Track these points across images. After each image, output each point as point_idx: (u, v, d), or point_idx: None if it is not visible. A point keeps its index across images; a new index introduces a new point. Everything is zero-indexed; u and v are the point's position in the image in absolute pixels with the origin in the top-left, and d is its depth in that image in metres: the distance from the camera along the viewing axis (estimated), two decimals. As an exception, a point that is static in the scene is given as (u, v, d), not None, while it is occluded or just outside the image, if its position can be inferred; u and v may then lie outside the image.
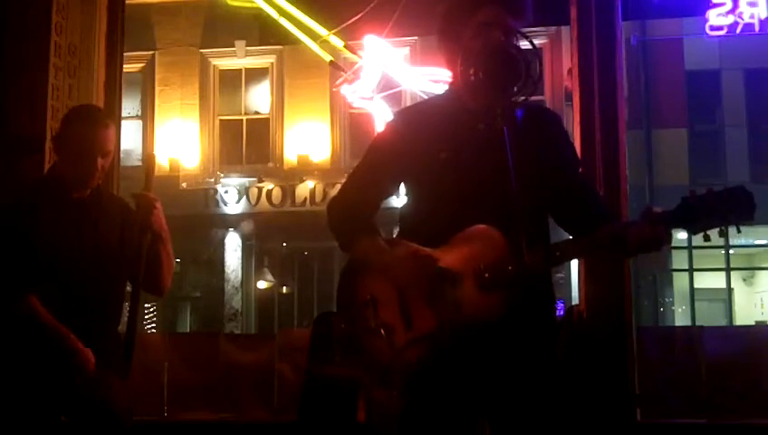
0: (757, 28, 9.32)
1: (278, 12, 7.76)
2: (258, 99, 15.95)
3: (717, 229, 2.15)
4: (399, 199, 2.55)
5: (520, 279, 2.13)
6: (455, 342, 2.17)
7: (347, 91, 9.58)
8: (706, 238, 2.16)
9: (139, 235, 2.93)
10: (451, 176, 2.26)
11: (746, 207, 2.11)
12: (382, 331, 2.19)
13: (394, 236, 2.44)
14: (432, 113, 2.39)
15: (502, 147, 2.14)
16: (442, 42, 2.36)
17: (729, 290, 16.92)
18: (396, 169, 2.36)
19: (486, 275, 2.14)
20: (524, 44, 2.31)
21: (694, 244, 15.90)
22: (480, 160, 2.25)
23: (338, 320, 2.34)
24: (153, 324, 15.11)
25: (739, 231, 2.15)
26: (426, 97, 5.53)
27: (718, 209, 2.11)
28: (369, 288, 2.25)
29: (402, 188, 2.43)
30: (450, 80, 2.43)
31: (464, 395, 2.24)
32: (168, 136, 15.22)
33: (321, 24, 7.59)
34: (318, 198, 14.66)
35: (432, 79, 9.24)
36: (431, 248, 2.22)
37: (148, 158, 4.24)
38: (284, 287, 15.89)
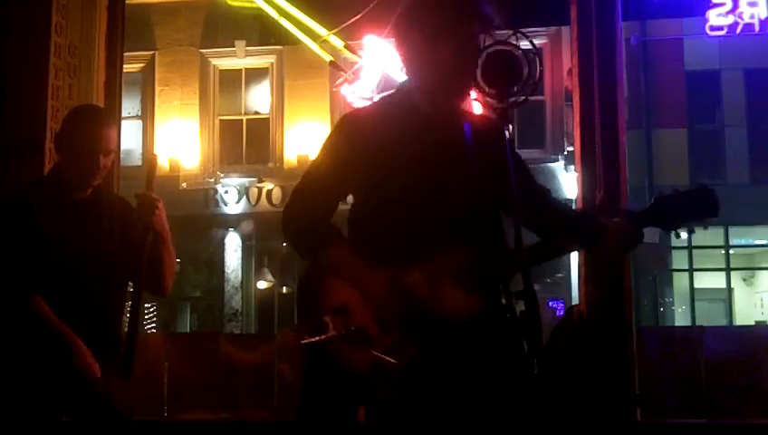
0: (757, 28, 9.35)
1: (278, 12, 7.78)
2: (258, 99, 15.95)
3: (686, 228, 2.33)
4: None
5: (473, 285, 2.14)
6: (425, 347, 2.14)
7: (347, 91, 9.60)
8: (677, 236, 2.34)
9: (141, 235, 2.93)
10: (401, 180, 2.21)
11: (712, 204, 2.28)
12: (353, 330, 2.15)
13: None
14: (383, 116, 2.31)
15: (454, 150, 2.18)
16: (415, 43, 2.25)
17: (729, 290, 16.95)
18: (350, 172, 2.27)
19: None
20: (525, 44, 2.30)
21: (694, 244, 15.90)
22: (431, 164, 2.22)
23: (300, 330, 2.27)
24: (153, 324, 15.12)
25: (705, 228, 2.34)
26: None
27: (688, 207, 2.28)
28: (339, 297, 2.19)
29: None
30: (404, 81, 2.37)
31: (450, 396, 2.21)
32: (168, 136, 15.22)
33: (321, 24, 7.60)
34: (318, 198, 14.65)
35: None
36: (395, 258, 2.18)
37: (149, 158, 4.23)
38: (284, 287, 15.88)
